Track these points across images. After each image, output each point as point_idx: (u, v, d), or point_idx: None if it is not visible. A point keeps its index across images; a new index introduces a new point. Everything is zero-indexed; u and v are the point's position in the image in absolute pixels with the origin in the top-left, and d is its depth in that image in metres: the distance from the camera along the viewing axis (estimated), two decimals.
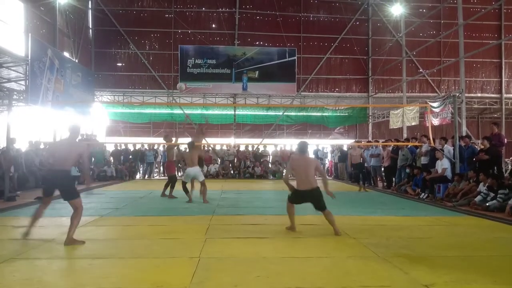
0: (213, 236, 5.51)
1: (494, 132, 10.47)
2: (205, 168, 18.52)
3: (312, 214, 7.65)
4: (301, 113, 23.12)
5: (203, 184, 9.51)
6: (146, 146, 18.47)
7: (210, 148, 19.93)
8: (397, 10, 20.65)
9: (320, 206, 5.78)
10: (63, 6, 17.87)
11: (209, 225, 6.42)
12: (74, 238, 5.01)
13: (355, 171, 13.55)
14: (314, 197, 5.75)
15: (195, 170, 9.60)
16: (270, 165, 18.85)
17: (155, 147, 18.76)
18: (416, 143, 12.28)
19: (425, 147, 11.48)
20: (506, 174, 10.72)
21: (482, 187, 8.66)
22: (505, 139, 11.29)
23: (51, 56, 15.13)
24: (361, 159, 13.00)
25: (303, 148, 6.06)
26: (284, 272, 3.91)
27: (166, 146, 11.76)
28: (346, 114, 23.23)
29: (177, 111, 21.89)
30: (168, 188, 10.40)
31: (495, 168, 9.57)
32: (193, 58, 21.34)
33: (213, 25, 22.53)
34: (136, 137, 22.05)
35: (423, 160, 11.52)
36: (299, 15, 22.68)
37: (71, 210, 5.12)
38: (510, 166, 16.69)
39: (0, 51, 12.11)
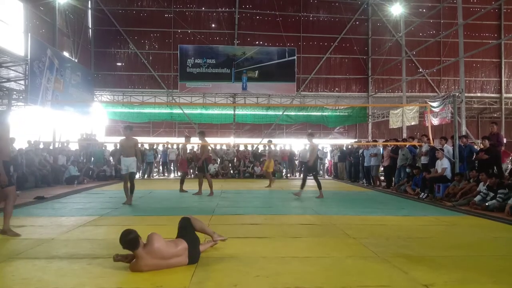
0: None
1: (492, 132, 10.47)
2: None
3: (311, 214, 7.66)
4: (301, 113, 23.14)
5: (131, 178, 8.91)
6: (146, 146, 18.46)
7: (209, 148, 19.91)
8: (396, 10, 20.66)
9: None
10: (62, 6, 17.87)
11: (209, 224, 6.40)
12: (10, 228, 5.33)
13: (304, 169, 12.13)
14: None
15: (129, 160, 9.03)
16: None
17: (154, 146, 18.75)
18: (416, 143, 12.27)
19: (425, 147, 11.49)
20: (506, 174, 10.72)
21: (481, 187, 8.67)
22: (504, 139, 11.29)
23: (50, 56, 15.13)
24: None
25: None
26: (284, 271, 3.91)
27: (181, 145, 12.23)
28: (346, 113, 23.25)
29: (177, 110, 21.90)
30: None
31: (495, 168, 9.57)
32: (192, 58, 21.34)
33: (213, 25, 22.53)
34: (135, 137, 21.96)
35: (423, 159, 11.53)
36: (298, 15, 22.69)
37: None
38: (510, 165, 16.67)
39: (0, 50, 12.10)
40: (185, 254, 4.02)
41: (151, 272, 3.87)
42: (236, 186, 13.88)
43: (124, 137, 9.37)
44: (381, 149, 13.71)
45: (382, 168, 14.28)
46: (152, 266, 3.88)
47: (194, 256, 4.09)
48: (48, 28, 17.14)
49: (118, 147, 9.66)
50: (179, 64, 21.34)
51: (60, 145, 16.24)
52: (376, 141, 15.06)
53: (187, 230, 4.30)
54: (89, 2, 21.56)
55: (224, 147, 19.87)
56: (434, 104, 16.37)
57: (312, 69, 22.73)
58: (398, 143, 13.21)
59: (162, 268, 3.94)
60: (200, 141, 11.09)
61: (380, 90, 23.09)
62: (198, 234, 4.45)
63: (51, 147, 15.35)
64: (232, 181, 16.01)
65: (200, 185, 10.92)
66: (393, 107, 20.84)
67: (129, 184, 8.85)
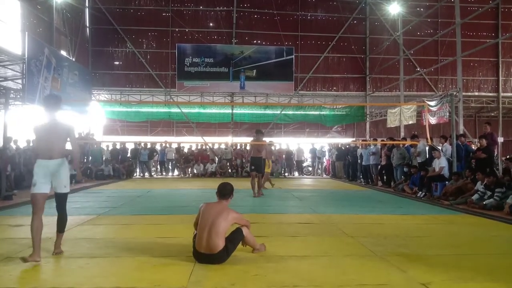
0: None
1: (486, 132, 10.57)
2: (201, 166, 18.61)
3: (309, 213, 7.67)
4: (298, 112, 23.14)
5: (60, 203, 4.54)
6: (142, 145, 18.45)
7: (208, 147, 19.94)
8: (394, 9, 20.65)
9: None
10: (60, 4, 17.80)
11: None
12: None
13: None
14: None
15: (54, 165, 4.40)
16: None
17: (149, 145, 18.74)
18: (411, 142, 12.31)
19: (420, 147, 11.56)
20: (500, 174, 10.79)
21: (479, 186, 8.69)
22: (502, 138, 11.40)
23: (48, 55, 15.07)
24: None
25: None
26: (282, 270, 3.91)
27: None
28: (344, 112, 23.26)
29: (175, 110, 21.87)
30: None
31: (491, 166, 9.65)
32: (190, 57, 21.29)
33: (211, 24, 22.49)
34: (133, 136, 22.05)
35: (419, 159, 11.59)
36: (296, 14, 22.66)
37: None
38: (505, 164, 16.73)
39: None
40: (223, 241, 4.11)
41: (149, 271, 3.87)
42: (234, 185, 13.79)
43: (44, 123, 4.63)
44: (379, 147, 13.73)
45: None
46: (205, 214, 4.28)
47: (222, 255, 4.12)
48: (46, 27, 17.07)
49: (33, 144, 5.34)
50: (177, 63, 21.29)
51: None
52: (376, 140, 15.09)
53: (234, 238, 4.32)
54: (87, 0, 21.47)
55: (222, 146, 19.87)
56: (432, 103, 16.39)
57: (310, 68, 22.72)
58: (392, 142, 13.22)
59: (203, 226, 4.17)
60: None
61: (378, 89, 23.11)
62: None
63: None
64: (230, 180, 15.94)
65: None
66: (391, 106, 20.86)
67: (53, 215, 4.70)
